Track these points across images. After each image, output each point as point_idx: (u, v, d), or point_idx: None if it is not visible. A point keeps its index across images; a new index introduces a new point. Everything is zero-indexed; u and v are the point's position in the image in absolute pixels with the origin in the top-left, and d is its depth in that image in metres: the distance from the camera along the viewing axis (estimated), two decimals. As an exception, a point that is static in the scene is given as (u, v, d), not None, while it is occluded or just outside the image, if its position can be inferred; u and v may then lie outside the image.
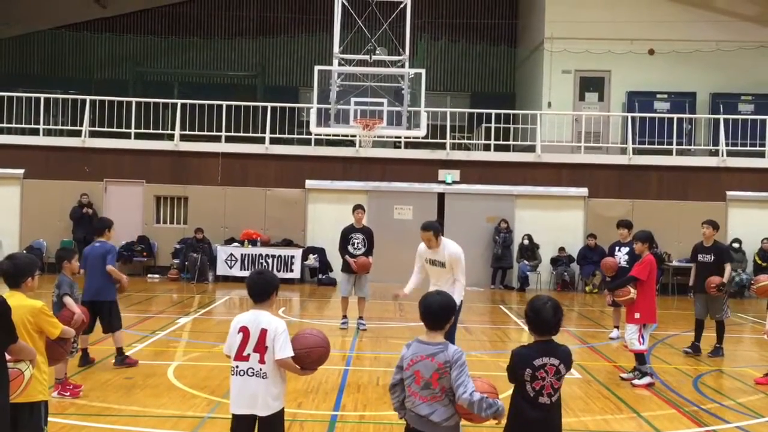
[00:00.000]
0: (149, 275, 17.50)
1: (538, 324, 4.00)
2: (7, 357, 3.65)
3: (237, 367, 4.31)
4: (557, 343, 4.05)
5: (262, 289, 4.42)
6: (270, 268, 17.39)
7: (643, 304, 8.14)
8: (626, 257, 10.31)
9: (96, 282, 8.09)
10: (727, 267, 9.55)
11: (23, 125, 18.47)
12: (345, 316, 11.29)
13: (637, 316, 8.12)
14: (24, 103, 18.41)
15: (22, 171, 17.99)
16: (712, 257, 9.63)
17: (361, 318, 11.27)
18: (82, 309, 6.73)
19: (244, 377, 4.29)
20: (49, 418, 4.58)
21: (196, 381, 7.62)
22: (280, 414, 4.38)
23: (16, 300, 4.22)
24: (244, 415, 4.33)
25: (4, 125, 18.29)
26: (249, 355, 4.28)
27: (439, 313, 3.97)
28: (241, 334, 4.31)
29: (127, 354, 8.30)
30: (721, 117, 18.28)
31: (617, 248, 10.81)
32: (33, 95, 18.45)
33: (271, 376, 4.28)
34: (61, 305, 6.72)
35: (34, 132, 18.45)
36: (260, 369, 4.27)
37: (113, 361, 8.19)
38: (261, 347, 4.27)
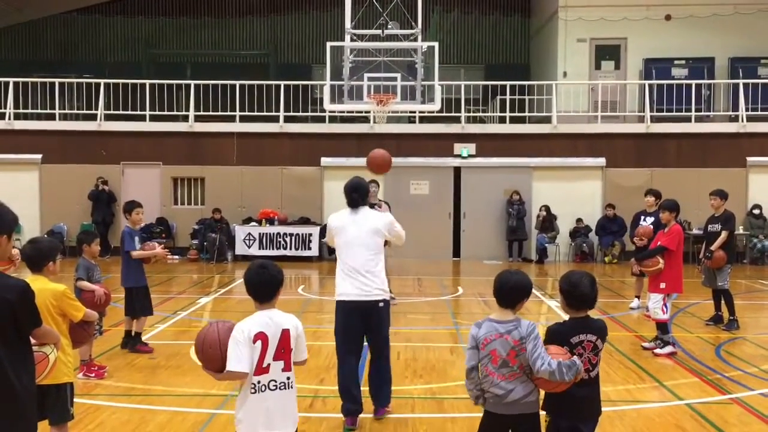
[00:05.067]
0: (169, 256, 17.61)
1: (576, 298, 3.96)
2: (32, 341, 3.69)
3: (258, 383, 3.62)
4: (592, 318, 4.03)
5: (269, 285, 3.73)
6: (288, 247, 17.45)
7: (669, 274, 8.06)
8: (651, 227, 10.18)
9: None
10: (723, 234, 9.26)
11: (39, 110, 18.57)
12: None
13: (662, 285, 8.06)
14: (39, 89, 18.50)
15: (39, 156, 18.13)
16: (720, 226, 9.38)
17: (390, 293, 11.34)
18: (102, 287, 6.74)
19: (265, 393, 3.63)
20: (75, 399, 4.64)
21: (218, 360, 7.67)
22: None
23: (39, 284, 4.26)
24: None
25: (21, 111, 18.41)
26: (269, 365, 3.64)
27: (513, 292, 3.90)
28: (259, 342, 3.62)
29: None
30: (741, 82, 17.98)
31: (642, 217, 10.68)
32: (47, 80, 18.54)
33: (294, 385, 3.73)
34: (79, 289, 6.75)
35: (50, 117, 18.56)
36: (287, 378, 3.68)
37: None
38: (285, 353, 3.67)
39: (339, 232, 5.78)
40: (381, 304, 5.65)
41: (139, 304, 8.02)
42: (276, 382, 3.64)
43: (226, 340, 3.61)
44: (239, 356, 3.58)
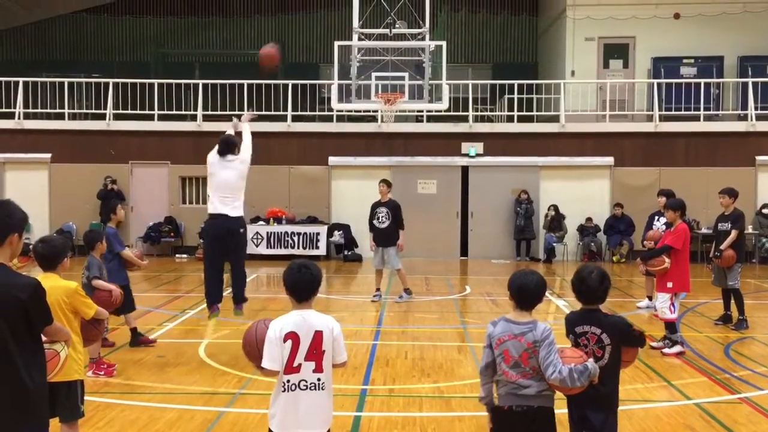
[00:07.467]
0: (177, 255, 17.71)
1: (582, 292, 4.03)
2: (43, 338, 3.72)
3: (288, 381, 3.66)
4: (605, 313, 4.06)
5: (308, 285, 3.74)
6: (296, 246, 17.48)
7: (676, 273, 8.05)
8: (664, 227, 10.13)
9: None
10: (733, 233, 9.21)
11: (48, 110, 18.66)
12: (378, 290, 11.52)
13: (669, 285, 8.04)
14: (48, 88, 18.58)
15: (49, 155, 18.22)
16: (730, 225, 9.33)
17: (406, 289, 11.51)
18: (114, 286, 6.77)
19: (295, 392, 3.66)
20: (86, 397, 4.67)
21: (226, 358, 7.72)
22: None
23: (51, 281, 4.29)
24: None
25: (30, 110, 18.50)
26: (300, 365, 3.65)
27: (535, 293, 3.91)
28: (289, 341, 3.65)
29: None
30: (750, 80, 17.90)
31: (656, 217, 10.67)
32: (56, 80, 18.62)
33: (328, 387, 3.73)
34: (91, 287, 6.76)
35: (59, 116, 18.64)
36: (318, 379, 3.68)
37: None
38: (317, 354, 3.67)
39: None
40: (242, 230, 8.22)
41: (126, 300, 8.03)
42: (306, 382, 3.66)
43: (262, 338, 3.72)
44: (271, 354, 3.66)
